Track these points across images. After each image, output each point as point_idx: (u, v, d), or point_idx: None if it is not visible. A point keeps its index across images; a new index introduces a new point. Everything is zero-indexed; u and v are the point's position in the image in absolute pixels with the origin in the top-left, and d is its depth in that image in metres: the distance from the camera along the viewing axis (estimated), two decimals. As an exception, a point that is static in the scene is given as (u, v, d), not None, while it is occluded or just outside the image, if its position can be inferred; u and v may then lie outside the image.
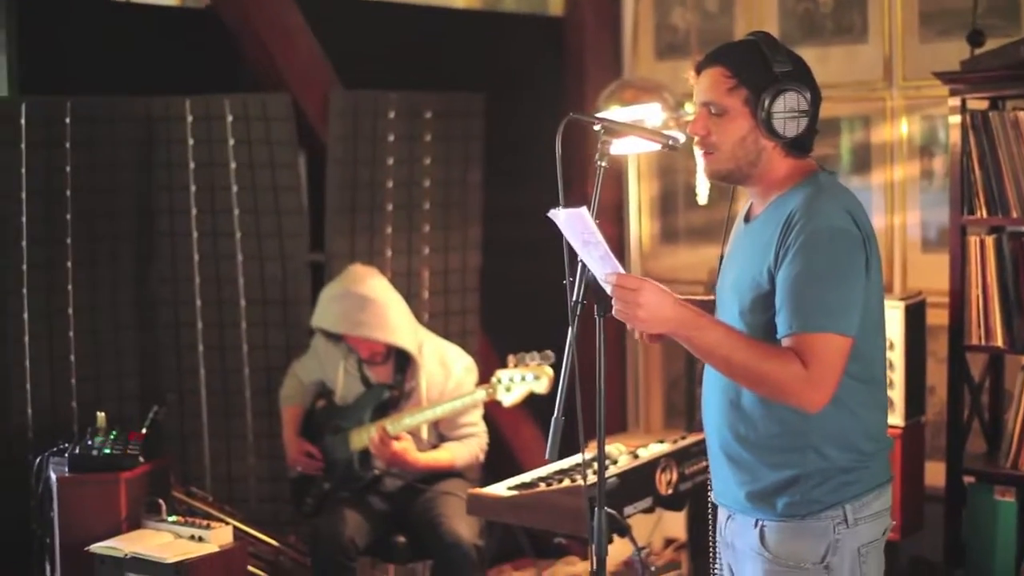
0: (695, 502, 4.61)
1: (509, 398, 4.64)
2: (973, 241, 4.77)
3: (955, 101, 4.74)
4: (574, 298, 2.87)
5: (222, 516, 4.79)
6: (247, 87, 5.36)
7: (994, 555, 4.71)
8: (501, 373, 4.64)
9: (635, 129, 3.12)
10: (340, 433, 4.82)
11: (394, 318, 4.78)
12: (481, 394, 4.66)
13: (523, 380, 4.60)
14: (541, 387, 4.62)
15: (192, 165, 5.19)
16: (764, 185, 2.97)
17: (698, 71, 2.98)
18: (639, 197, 6.38)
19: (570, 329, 2.85)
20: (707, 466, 4.36)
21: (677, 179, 6.25)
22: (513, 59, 6.08)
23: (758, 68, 2.89)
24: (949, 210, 4.81)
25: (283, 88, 5.23)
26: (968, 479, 4.88)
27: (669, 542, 5.94)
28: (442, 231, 5.59)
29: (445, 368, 4.84)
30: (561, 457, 4.69)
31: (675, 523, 5.62)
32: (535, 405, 5.41)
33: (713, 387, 3.03)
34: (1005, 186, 4.66)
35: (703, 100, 2.94)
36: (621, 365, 6.50)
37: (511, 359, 4.66)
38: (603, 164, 2.95)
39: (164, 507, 4.36)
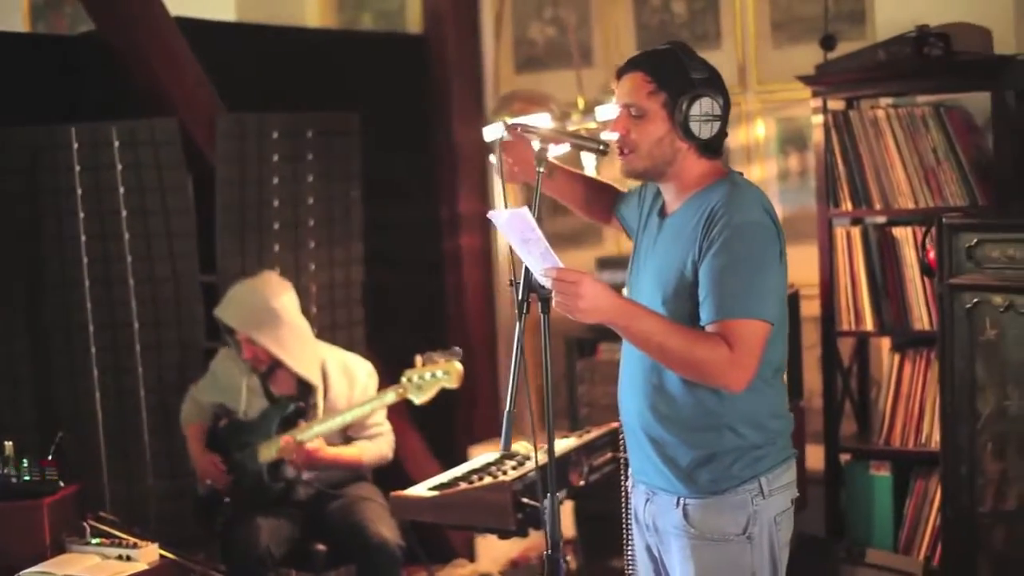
0: (584, 499, 4.74)
1: (421, 396, 4.68)
2: (840, 233, 5.08)
3: (816, 102, 5.04)
4: (519, 296, 3.06)
5: (132, 537, 4.80)
6: (125, 113, 5.38)
7: (873, 525, 5.04)
8: (410, 373, 4.67)
9: (568, 136, 3.33)
10: (247, 448, 4.85)
11: (297, 344, 4.86)
12: (391, 396, 4.71)
13: (434, 377, 4.66)
14: (451, 382, 4.67)
15: (80, 191, 5.20)
16: (679, 183, 3.18)
17: (619, 75, 3.17)
18: (505, 206, 6.53)
19: (517, 325, 3.02)
20: (611, 457, 4.63)
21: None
22: (376, 77, 6.20)
23: (676, 74, 3.09)
24: (816, 204, 5.09)
25: (169, 112, 5.27)
26: (844, 458, 5.21)
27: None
28: (327, 247, 5.66)
29: (349, 377, 4.90)
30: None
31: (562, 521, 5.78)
32: (417, 415, 5.53)
33: (634, 372, 3.20)
34: (867, 180, 4.98)
35: (624, 102, 3.14)
36: (493, 370, 6.67)
37: (418, 359, 4.67)
38: (541, 169, 3.17)
39: (88, 529, 4.38)
